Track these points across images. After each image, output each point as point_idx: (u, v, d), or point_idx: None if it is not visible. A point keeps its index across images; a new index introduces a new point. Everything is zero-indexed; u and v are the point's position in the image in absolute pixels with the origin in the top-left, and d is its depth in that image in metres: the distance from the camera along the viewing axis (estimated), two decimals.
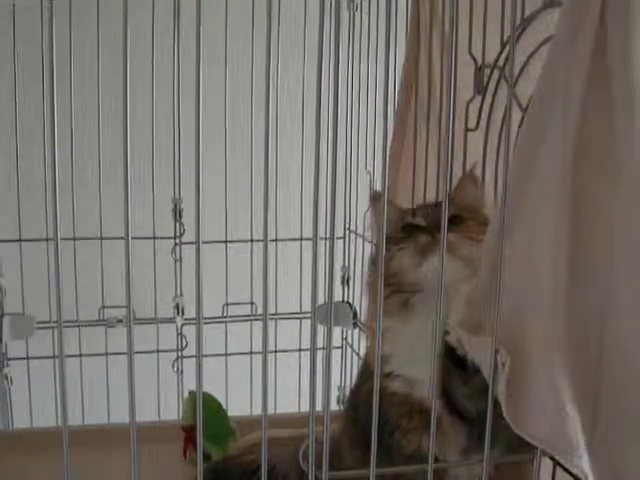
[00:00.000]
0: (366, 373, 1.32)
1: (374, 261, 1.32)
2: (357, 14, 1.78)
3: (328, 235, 0.93)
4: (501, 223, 0.92)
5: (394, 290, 1.20)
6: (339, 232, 1.87)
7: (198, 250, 0.86)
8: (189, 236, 1.82)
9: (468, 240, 1.16)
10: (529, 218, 0.95)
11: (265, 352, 0.92)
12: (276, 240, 1.85)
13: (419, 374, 1.16)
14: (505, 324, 0.95)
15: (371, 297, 1.30)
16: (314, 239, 0.91)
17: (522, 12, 1.15)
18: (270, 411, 1.70)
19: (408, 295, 1.18)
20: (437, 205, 1.29)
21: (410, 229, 1.22)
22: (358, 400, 1.31)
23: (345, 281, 1.86)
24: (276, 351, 1.87)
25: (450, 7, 0.90)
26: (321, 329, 1.01)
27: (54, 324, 1.76)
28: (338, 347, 1.89)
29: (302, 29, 1.77)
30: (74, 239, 1.74)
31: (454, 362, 1.07)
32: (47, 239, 1.78)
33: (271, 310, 1.84)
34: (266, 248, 0.89)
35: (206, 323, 1.83)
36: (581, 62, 0.86)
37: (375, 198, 1.34)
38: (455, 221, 1.19)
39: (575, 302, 0.90)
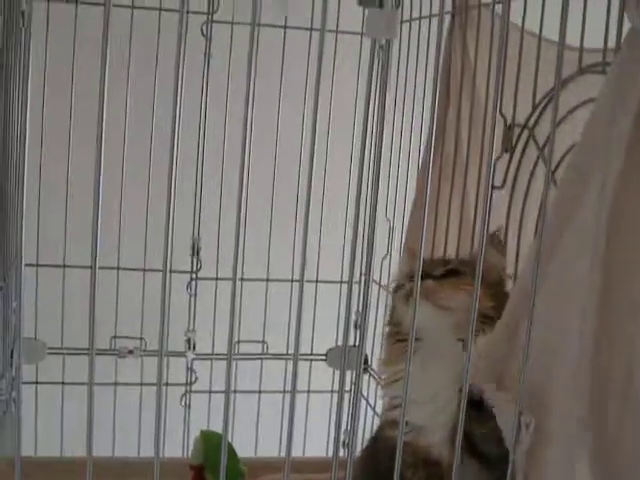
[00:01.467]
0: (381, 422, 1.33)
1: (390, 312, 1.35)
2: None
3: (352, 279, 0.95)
4: (532, 284, 0.92)
5: (399, 338, 1.26)
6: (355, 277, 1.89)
7: (233, 293, 0.87)
8: (205, 272, 1.84)
9: (452, 289, 1.20)
10: (558, 279, 0.96)
11: (293, 393, 0.93)
12: (292, 281, 1.85)
13: (421, 420, 1.18)
14: (527, 382, 0.96)
15: (385, 348, 1.32)
16: (349, 284, 0.92)
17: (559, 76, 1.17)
18: (274, 454, 1.70)
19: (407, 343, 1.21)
20: (445, 261, 1.33)
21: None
22: (373, 449, 1.32)
23: (358, 326, 1.87)
24: (284, 392, 1.88)
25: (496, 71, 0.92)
26: (333, 373, 1.02)
27: (64, 350, 1.78)
28: (347, 391, 1.89)
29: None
30: (92, 267, 1.74)
31: (469, 403, 1.08)
32: (64, 265, 1.79)
33: (282, 350, 1.85)
34: (302, 288, 0.91)
35: (217, 359, 1.84)
36: (622, 134, 0.88)
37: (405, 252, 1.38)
38: (450, 274, 1.24)
39: (600, 365, 0.91)
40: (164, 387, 1.81)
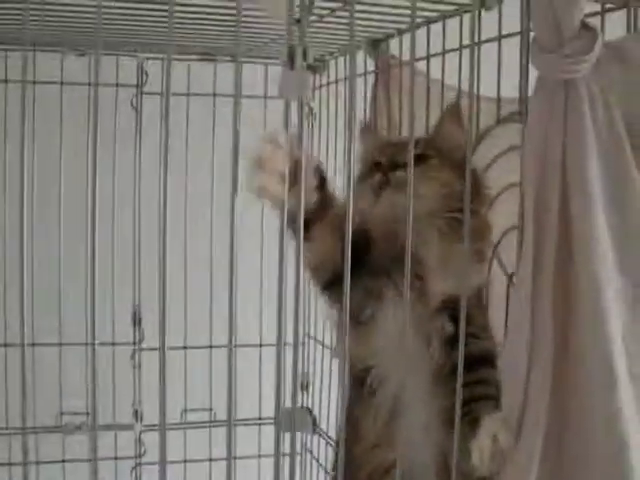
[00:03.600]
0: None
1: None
2: (316, 124, 1.83)
3: (290, 341, 0.95)
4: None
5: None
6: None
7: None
8: (148, 342, 1.83)
9: (422, 178, 1.15)
10: None
11: (230, 459, 0.92)
12: (235, 346, 1.84)
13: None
14: None
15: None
16: (278, 344, 0.93)
17: (477, 128, 1.19)
18: None
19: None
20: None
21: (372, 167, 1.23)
22: None
23: (305, 387, 1.86)
24: (235, 458, 1.86)
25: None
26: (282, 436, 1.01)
27: (7, 431, 1.74)
28: (297, 453, 1.88)
29: None
30: (33, 345, 1.72)
31: None
32: (5, 345, 1.77)
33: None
34: (231, 353, 0.91)
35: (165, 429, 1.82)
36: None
37: (362, 130, 1.37)
38: (418, 160, 1.14)
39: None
40: (114, 461, 1.80)
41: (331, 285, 1.17)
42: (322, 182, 1.11)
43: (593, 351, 0.90)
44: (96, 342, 0.89)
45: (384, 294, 1.17)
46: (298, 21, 0.86)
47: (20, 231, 0.84)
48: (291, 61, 0.86)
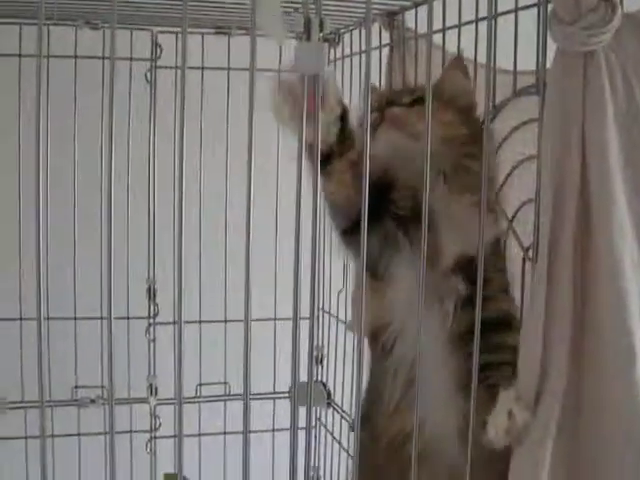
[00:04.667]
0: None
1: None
2: None
3: (304, 315, 0.95)
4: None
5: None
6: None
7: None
8: (163, 316, 1.83)
9: (420, 116, 1.11)
10: None
11: (245, 433, 0.93)
12: (250, 320, 1.84)
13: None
14: None
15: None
16: (294, 318, 0.93)
17: (493, 100, 1.18)
18: None
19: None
20: (411, 89, 1.28)
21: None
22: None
23: (319, 361, 1.86)
24: (250, 431, 1.86)
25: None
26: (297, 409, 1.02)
27: (25, 404, 1.75)
28: (312, 427, 1.88)
29: None
30: (48, 318, 1.72)
31: None
32: (21, 318, 1.77)
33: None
34: (246, 327, 0.91)
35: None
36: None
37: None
38: (418, 102, 1.18)
39: None
40: (129, 434, 1.81)
41: (350, 232, 1.15)
42: (344, 114, 1.09)
43: (612, 325, 0.90)
44: (114, 317, 0.89)
45: (400, 247, 1.16)
46: None
47: (36, 205, 0.84)
48: (307, 33, 0.85)
